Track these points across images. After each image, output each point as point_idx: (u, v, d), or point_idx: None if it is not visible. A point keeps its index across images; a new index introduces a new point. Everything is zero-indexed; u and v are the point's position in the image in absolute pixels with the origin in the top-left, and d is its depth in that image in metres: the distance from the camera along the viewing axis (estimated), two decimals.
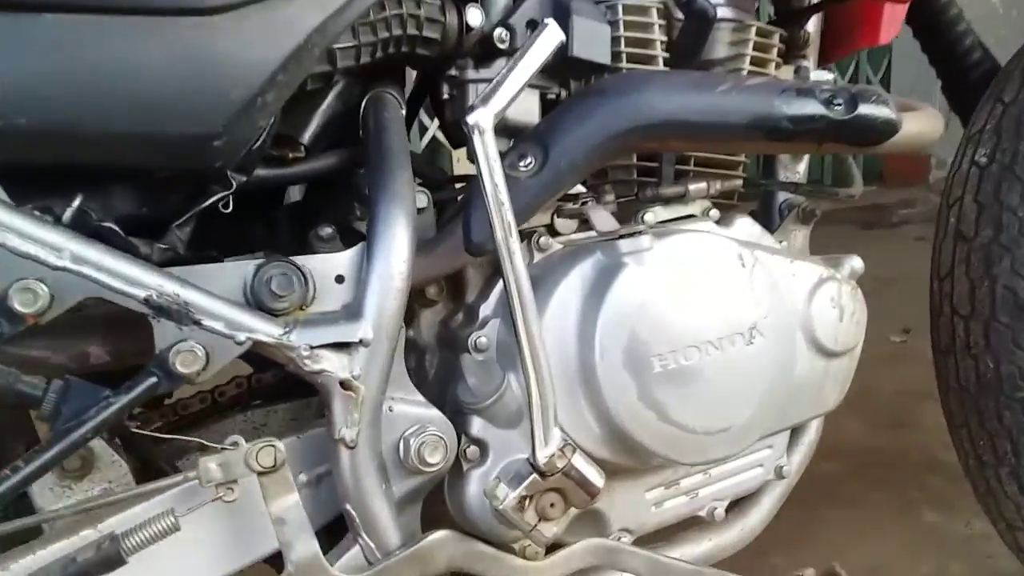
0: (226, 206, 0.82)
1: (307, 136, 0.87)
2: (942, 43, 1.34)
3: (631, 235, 0.84)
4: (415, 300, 0.93)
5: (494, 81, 0.79)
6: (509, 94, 0.79)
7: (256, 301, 0.75)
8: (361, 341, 0.76)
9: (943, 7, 1.32)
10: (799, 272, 0.92)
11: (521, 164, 0.85)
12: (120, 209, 0.76)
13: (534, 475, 0.78)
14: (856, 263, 0.98)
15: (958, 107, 1.36)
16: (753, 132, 0.88)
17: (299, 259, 0.78)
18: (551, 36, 0.82)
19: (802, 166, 1.17)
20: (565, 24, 0.91)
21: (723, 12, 1.03)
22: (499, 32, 0.90)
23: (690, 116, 0.86)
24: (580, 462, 0.78)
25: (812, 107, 0.89)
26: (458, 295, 0.92)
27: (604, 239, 0.86)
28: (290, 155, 0.86)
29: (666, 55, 0.99)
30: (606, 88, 0.87)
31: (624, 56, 0.97)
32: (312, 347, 0.75)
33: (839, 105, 0.90)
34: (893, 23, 1.15)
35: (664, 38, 0.99)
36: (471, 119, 0.76)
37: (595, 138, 0.85)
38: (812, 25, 1.17)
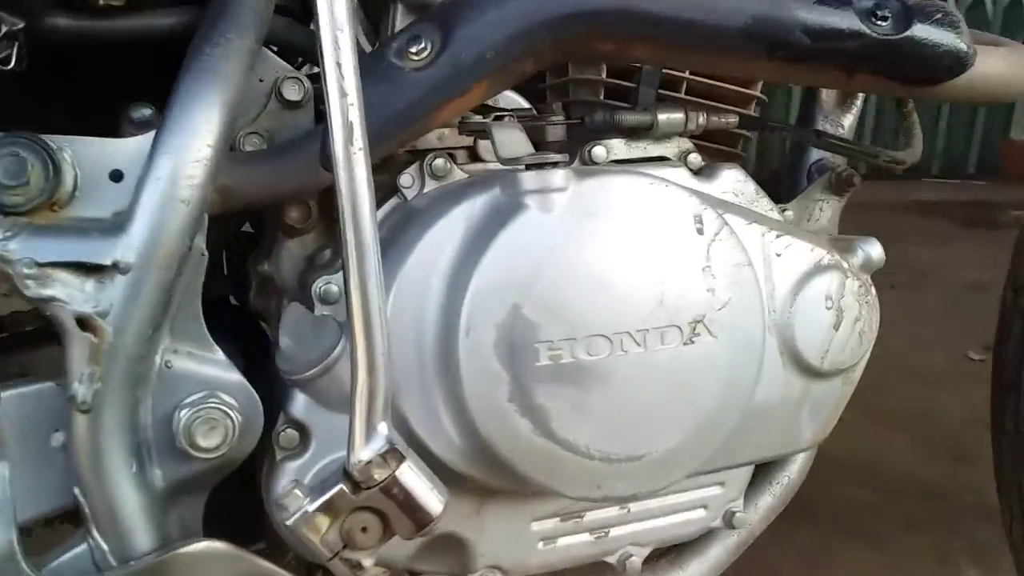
0: (6, 61, 0.60)
1: None
2: None
3: (539, 166, 0.59)
4: (277, 225, 0.70)
5: None
6: None
7: None
8: (115, 265, 0.54)
9: None
10: (789, 252, 0.65)
11: (411, 50, 0.61)
12: None
13: (341, 486, 0.55)
14: (874, 249, 0.70)
15: None
16: (749, 43, 0.61)
17: (59, 139, 0.56)
18: None
19: (850, 117, 0.88)
20: None
21: None
22: None
23: (657, 6, 0.59)
24: (409, 476, 0.55)
25: (842, 17, 0.61)
26: (333, 224, 0.69)
27: (509, 169, 0.60)
28: (101, 3, 0.63)
29: None
30: None
31: None
32: (39, 263, 0.53)
33: (883, 20, 0.62)
34: None
35: None
36: None
37: (514, 25, 0.60)
38: None
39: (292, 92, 0.68)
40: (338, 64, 0.53)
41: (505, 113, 0.66)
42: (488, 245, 0.57)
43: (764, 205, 0.71)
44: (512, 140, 0.61)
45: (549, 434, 0.58)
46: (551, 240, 0.58)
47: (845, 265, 0.67)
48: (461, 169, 0.67)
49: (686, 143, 0.72)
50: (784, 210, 0.75)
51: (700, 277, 0.60)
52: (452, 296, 0.58)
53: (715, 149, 0.78)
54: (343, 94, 0.53)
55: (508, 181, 0.60)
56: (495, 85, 0.65)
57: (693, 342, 0.60)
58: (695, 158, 0.71)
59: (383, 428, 0.54)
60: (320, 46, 0.52)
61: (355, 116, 0.53)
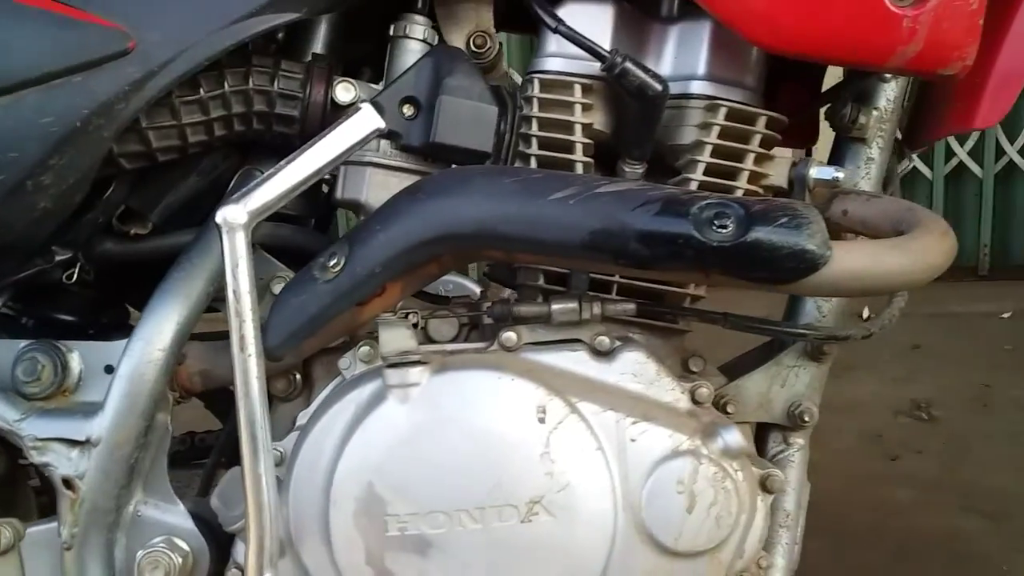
0: (69, 278, 0.84)
1: (156, 213, 0.85)
2: None
3: (402, 364, 0.70)
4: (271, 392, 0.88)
5: (266, 173, 0.71)
6: (276, 191, 0.70)
7: (12, 383, 0.75)
8: (88, 440, 0.73)
9: None
10: (644, 438, 0.70)
11: (330, 264, 0.75)
12: None
13: None
14: (732, 437, 0.71)
15: None
16: (594, 253, 0.68)
17: (71, 343, 0.77)
18: (359, 123, 0.72)
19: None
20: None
21: (697, 87, 0.82)
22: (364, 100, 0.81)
23: (508, 228, 0.69)
24: None
25: (677, 226, 0.67)
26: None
27: (385, 365, 0.72)
28: (132, 231, 0.85)
29: (587, 142, 0.81)
30: (424, 187, 0.73)
31: (535, 141, 0.81)
32: (39, 438, 0.73)
33: (723, 227, 0.66)
34: (999, 101, 0.82)
35: (587, 121, 0.81)
36: (218, 215, 0.69)
37: (396, 245, 0.72)
38: (887, 100, 0.89)
39: (278, 288, 0.85)
40: (238, 293, 0.69)
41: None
42: (355, 429, 0.70)
43: (665, 385, 0.76)
44: (393, 337, 0.73)
45: None
46: (403, 427, 0.69)
47: (704, 451, 0.70)
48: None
49: (598, 326, 0.79)
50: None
51: (538, 462, 0.67)
52: (329, 471, 0.71)
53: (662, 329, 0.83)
54: (239, 315, 0.69)
55: (381, 375, 0.72)
56: (408, 286, 0.78)
57: (531, 520, 0.67)
58: (603, 340, 0.78)
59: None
60: (225, 280, 0.69)
61: (248, 330, 0.68)
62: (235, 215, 0.69)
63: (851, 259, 0.66)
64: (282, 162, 0.72)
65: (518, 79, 0.93)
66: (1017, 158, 3.38)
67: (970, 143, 3.40)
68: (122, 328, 0.94)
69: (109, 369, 0.77)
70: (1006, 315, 3.17)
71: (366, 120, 0.73)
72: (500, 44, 0.90)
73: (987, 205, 3.46)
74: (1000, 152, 3.39)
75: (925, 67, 0.73)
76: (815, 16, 0.73)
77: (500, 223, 0.69)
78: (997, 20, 0.78)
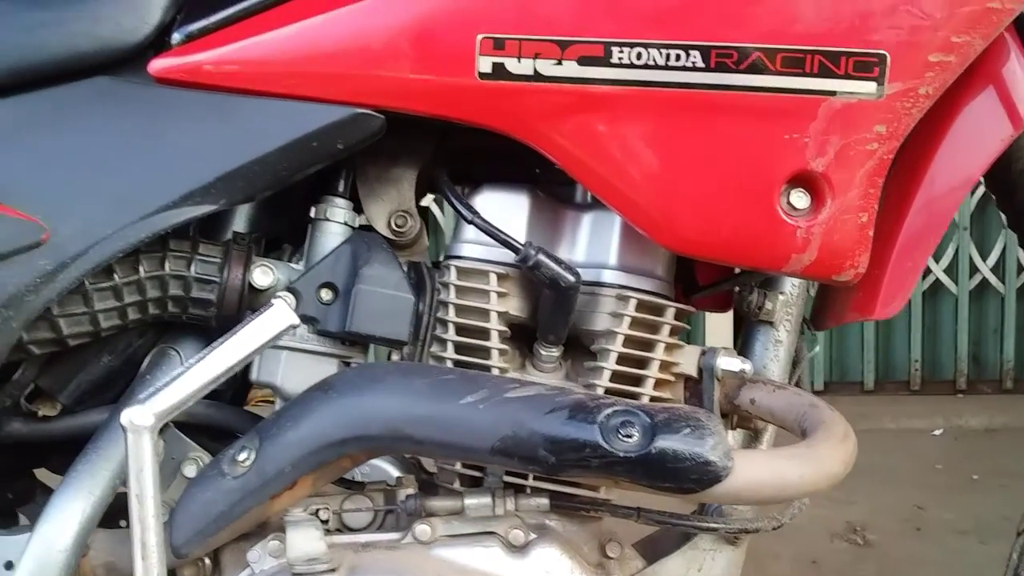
0: None
1: (65, 394, 0.84)
2: None
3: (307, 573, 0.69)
4: None
5: (175, 372, 0.71)
6: (185, 391, 0.70)
7: None
8: None
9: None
10: None
11: (240, 458, 0.75)
12: None
13: None
14: None
15: None
16: (503, 459, 0.69)
17: None
18: (272, 320, 0.73)
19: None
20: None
21: (608, 276, 0.84)
22: (281, 296, 0.81)
23: (418, 431, 0.70)
24: None
25: (584, 433, 0.68)
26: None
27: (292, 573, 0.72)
28: (40, 413, 0.83)
29: (503, 329, 0.83)
30: (336, 385, 0.74)
31: (451, 327, 0.83)
32: None
33: (628, 436, 0.68)
34: (898, 294, 0.86)
35: (503, 309, 0.83)
36: (123, 416, 0.68)
37: (307, 444, 0.72)
38: (792, 285, 0.92)
39: (190, 470, 0.84)
40: (137, 496, 0.68)
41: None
42: None
43: None
44: (302, 540, 0.73)
45: None
46: None
47: None
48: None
49: (514, 519, 0.79)
50: None
51: None
52: None
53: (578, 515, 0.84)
54: (141, 522, 0.67)
55: None
56: (320, 479, 0.77)
57: None
58: (517, 535, 0.77)
59: None
60: (128, 483, 0.68)
61: (150, 536, 0.67)
62: (141, 417, 0.69)
63: (751, 471, 0.67)
64: (191, 360, 0.72)
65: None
66: (990, 276, 3.49)
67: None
68: (28, 499, 0.92)
69: (9, 565, 0.75)
70: (937, 432, 3.24)
71: (279, 315, 0.74)
72: (420, 222, 0.92)
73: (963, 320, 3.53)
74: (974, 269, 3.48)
75: (820, 274, 0.76)
76: (714, 224, 0.76)
77: (410, 426, 0.70)
78: (889, 223, 0.83)
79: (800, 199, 0.76)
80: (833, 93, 0.74)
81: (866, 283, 0.82)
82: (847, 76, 0.73)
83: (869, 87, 0.73)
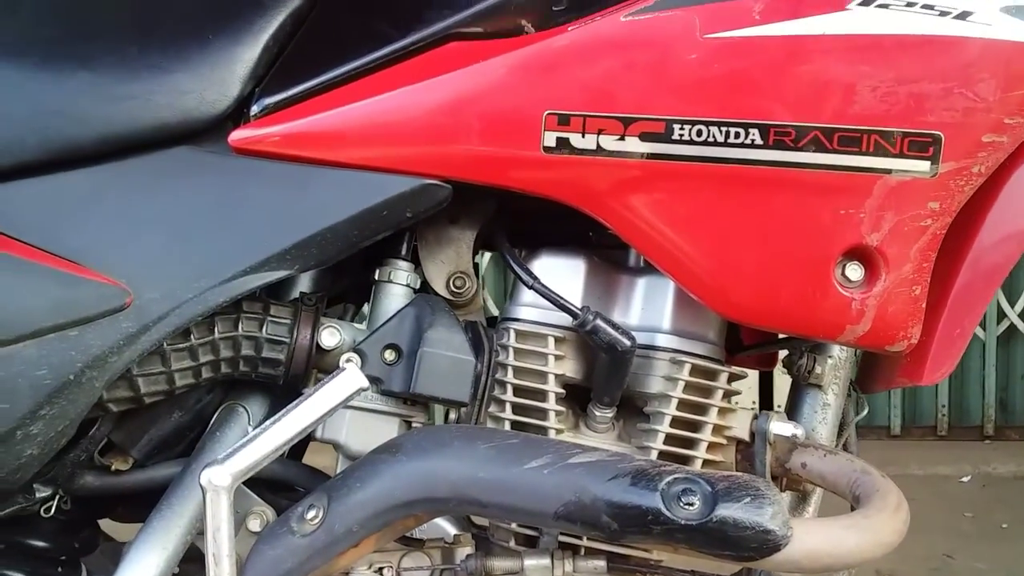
0: (47, 511, 0.85)
1: (138, 448, 0.87)
2: None
3: None
4: None
5: (251, 433, 0.74)
6: (260, 452, 0.73)
7: None
8: None
9: None
10: None
11: (308, 516, 0.77)
12: None
13: None
14: None
15: None
16: (566, 524, 0.71)
17: None
18: (343, 384, 0.75)
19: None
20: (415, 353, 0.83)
21: (662, 340, 0.86)
22: (347, 357, 0.84)
23: (483, 495, 0.72)
24: None
25: (646, 500, 0.70)
26: None
27: None
28: (112, 467, 0.86)
29: (560, 391, 0.85)
30: (402, 445, 0.76)
31: (510, 388, 0.85)
32: None
33: (689, 504, 0.70)
34: (946, 360, 0.88)
35: (560, 371, 0.85)
36: (203, 476, 0.71)
37: (374, 505, 0.75)
38: (840, 349, 0.94)
39: (255, 524, 0.87)
40: (214, 555, 0.70)
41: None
42: None
43: None
44: None
45: None
46: None
47: None
48: None
49: None
50: None
51: None
52: None
53: None
54: None
55: None
56: (384, 537, 0.79)
57: None
58: None
59: None
60: (206, 541, 0.70)
61: None
62: (219, 478, 0.71)
63: (810, 540, 0.69)
64: (267, 423, 0.75)
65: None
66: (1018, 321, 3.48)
67: None
68: (92, 548, 0.95)
69: None
70: (965, 479, 3.22)
71: (350, 380, 0.76)
72: (476, 281, 0.95)
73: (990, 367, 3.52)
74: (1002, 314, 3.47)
75: (873, 344, 0.79)
76: (769, 293, 0.78)
77: (476, 490, 0.72)
78: (938, 290, 0.85)
79: (855, 272, 0.78)
80: (889, 171, 0.76)
81: (915, 349, 0.84)
82: (902, 155, 0.76)
83: (923, 166, 0.76)
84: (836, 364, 0.93)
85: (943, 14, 0.75)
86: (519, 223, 0.94)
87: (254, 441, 0.73)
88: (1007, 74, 0.76)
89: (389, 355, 0.85)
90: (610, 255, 0.92)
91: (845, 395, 0.95)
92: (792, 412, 0.94)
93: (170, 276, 0.77)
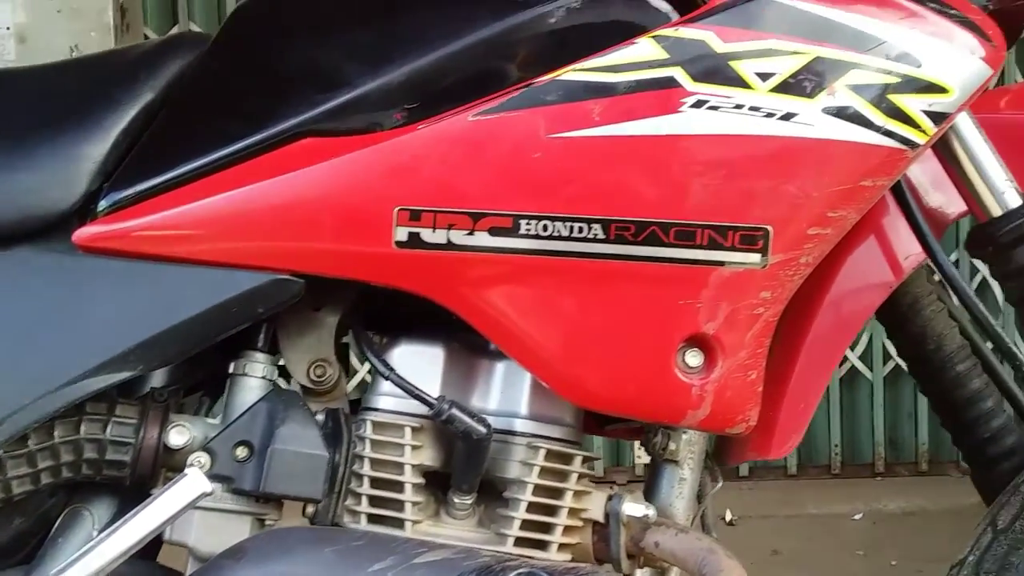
0: None
1: None
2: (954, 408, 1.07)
3: None
4: None
5: (94, 539, 0.72)
6: (102, 560, 0.71)
7: None
8: None
9: (942, 362, 1.06)
10: None
11: None
12: None
13: None
14: None
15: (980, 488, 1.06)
16: None
17: None
18: (186, 488, 0.74)
19: None
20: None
21: (519, 425, 0.88)
22: (196, 456, 0.82)
23: None
24: None
25: None
26: None
27: None
28: None
29: (418, 481, 0.85)
30: (247, 551, 0.75)
31: (366, 480, 0.85)
32: None
33: None
34: (792, 433, 0.91)
35: (417, 461, 0.86)
36: None
37: None
38: None
39: None
40: None
41: None
42: None
43: None
44: None
45: None
46: None
47: None
48: None
49: None
50: None
51: None
52: None
53: None
54: None
55: None
56: None
57: None
58: None
59: None
60: None
61: None
62: None
63: None
64: (109, 529, 0.73)
65: None
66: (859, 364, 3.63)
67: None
68: None
69: None
70: (857, 516, 3.32)
71: (193, 485, 0.75)
72: (339, 368, 0.95)
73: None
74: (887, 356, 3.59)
75: (713, 427, 0.82)
76: (616, 381, 0.81)
77: None
78: (780, 369, 0.89)
79: (695, 358, 0.81)
80: (722, 263, 0.80)
81: (762, 424, 0.88)
82: (734, 248, 0.79)
83: (754, 258, 0.80)
84: (690, 440, 0.96)
85: (769, 115, 0.79)
86: (383, 307, 0.95)
87: (91, 552, 0.71)
88: (829, 170, 0.81)
89: (241, 452, 0.83)
90: (471, 340, 0.93)
91: (701, 468, 0.97)
92: (650, 488, 0.96)
93: (3, 385, 0.75)
